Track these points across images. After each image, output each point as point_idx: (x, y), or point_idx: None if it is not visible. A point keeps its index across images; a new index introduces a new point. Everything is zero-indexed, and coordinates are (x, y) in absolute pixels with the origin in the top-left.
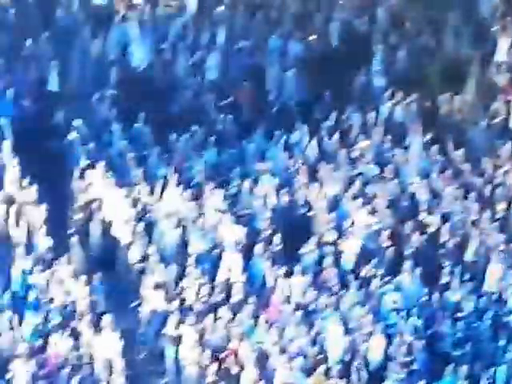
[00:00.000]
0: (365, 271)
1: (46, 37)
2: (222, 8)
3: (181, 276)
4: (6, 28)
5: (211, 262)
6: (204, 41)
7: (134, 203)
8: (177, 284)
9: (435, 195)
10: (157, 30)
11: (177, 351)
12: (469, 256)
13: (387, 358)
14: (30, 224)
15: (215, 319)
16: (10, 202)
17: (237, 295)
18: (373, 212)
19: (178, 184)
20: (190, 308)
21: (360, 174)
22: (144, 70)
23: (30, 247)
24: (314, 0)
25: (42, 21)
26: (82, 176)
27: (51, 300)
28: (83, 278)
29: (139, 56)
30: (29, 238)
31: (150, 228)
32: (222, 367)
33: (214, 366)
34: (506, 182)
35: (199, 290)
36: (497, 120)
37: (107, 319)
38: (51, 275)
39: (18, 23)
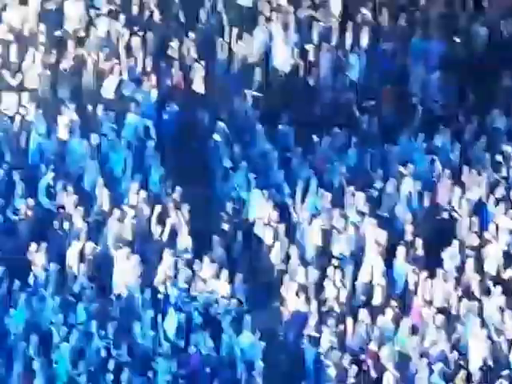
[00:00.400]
0: (507, 275)
1: (191, 38)
2: (365, 10)
3: (322, 278)
4: (151, 29)
5: (353, 264)
6: (347, 42)
7: (277, 205)
8: (318, 286)
9: None
10: (300, 31)
11: (317, 353)
12: None
13: None
14: (174, 224)
15: (355, 322)
16: (154, 202)
17: (378, 298)
18: None
19: (320, 186)
20: (331, 310)
21: (504, 178)
22: (287, 71)
23: (173, 247)
24: (458, 1)
25: (186, 21)
26: (225, 177)
27: (194, 299)
28: (225, 277)
29: (283, 57)
30: (173, 237)
31: (292, 229)
32: (362, 370)
33: (354, 369)
34: None
35: (340, 292)
36: None
37: (248, 319)
38: (194, 275)
39: (163, 24)
